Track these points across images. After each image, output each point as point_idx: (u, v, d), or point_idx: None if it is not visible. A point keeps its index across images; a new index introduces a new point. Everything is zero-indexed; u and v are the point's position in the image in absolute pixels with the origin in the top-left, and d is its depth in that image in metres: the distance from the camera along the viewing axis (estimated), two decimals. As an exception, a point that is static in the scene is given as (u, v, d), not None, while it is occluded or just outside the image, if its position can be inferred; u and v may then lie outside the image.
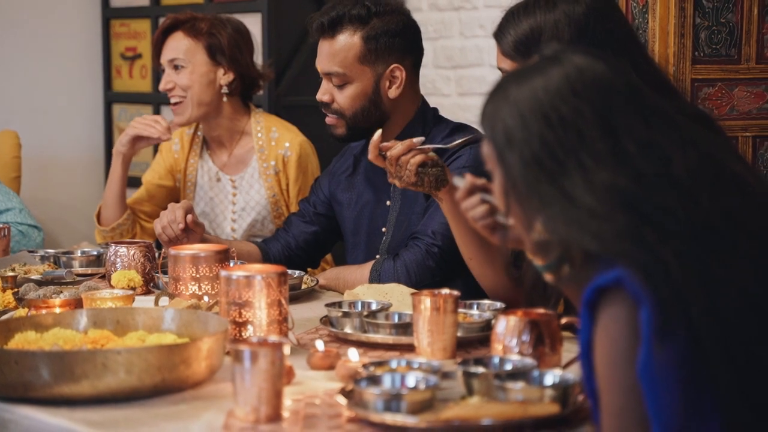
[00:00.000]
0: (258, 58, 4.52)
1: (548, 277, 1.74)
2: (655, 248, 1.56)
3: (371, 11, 3.01)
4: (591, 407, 1.66)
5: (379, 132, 2.66)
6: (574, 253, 1.66)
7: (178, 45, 3.55)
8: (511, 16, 2.48)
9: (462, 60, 4.71)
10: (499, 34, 2.50)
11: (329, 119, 3.08)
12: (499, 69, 2.52)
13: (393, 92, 3.02)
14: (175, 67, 3.55)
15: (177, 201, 3.68)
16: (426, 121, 3.09)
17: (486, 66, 4.66)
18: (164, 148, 3.77)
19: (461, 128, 3.07)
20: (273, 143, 3.62)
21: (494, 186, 1.80)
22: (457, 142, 2.81)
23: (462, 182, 2.15)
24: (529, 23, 2.43)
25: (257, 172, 3.62)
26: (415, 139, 2.59)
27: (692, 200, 1.62)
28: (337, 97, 3.04)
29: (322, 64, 3.05)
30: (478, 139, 2.76)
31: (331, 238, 3.30)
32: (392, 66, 3.02)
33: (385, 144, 2.61)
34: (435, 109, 3.15)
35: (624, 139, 1.65)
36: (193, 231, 3.04)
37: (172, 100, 3.57)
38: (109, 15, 5.11)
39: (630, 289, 1.55)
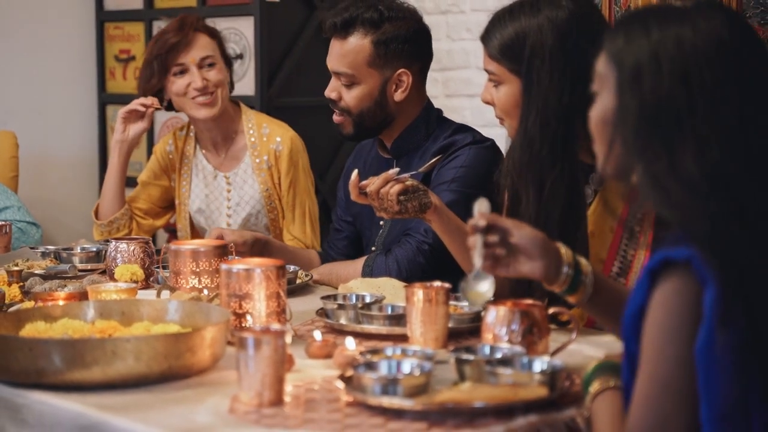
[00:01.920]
0: (250, 61, 4.63)
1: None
2: (735, 237, 1.59)
3: (384, 16, 3.06)
4: (623, 366, 1.71)
5: (356, 172, 2.70)
6: (648, 209, 1.70)
7: (207, 43, 3.66)
8: (497, 21, 2.54)
9: (449, 62, 4.79)
10: (485, 38, 2.56)
11: (336, 117, 3.15)
12: (486, 71, 2.59)
13: (398, 96, 3.09)
14: (205, 66, 3.64)
15: (172, 199, 3.79)
16: (429, 122, 3.15)
17: (473, 68, 4.74)
18: (158, 149, 3.85)
19: (463, 129, 3.14)
20: (264, 139, 3.71)
21: (594, 107, 1.77)
22: (429, 163, 2.83)
23: (481, 208, 2.05)
24: (514, 27, 2.49)
25: (250, 167, 3.71)
26: (390, 171, 2.64)
27: None
28: (345, 95, 3.10)
29: (332, 62, 3.11)
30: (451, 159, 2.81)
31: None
32: (400, 71, 3.08)
33: (363, 183, 2.67)
34: (439, 110, 3.21)
35: (749, 125, 1.64)
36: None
37: (204, 97, 3.63)
38: (103, 18, 5.19)
39: (698, 269, 1.58)
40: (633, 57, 1.68)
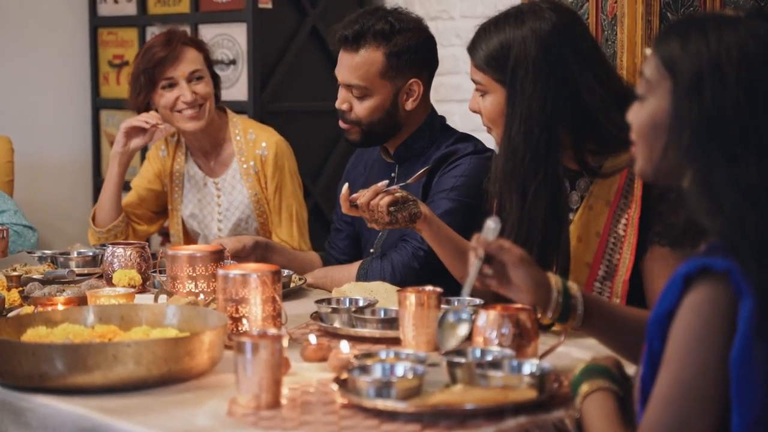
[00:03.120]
0: (242, 66, 4.69)
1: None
2: None
3: (395, 28, 3.09)
4: (643, 366, 1.74)
5: (346, 186, 2.75)
6: (689, 215, 1.69)
7: (195, 57, 3.70)
8: (482, 32, 2.59)
9: (439, 68, 4.81)
10: (472, 49, 2.61)
11: (344, 125, 3.17)
12: (473, 81, 2.64)
13: (409, 105, 3.13)
14: (195, 79, 3.68)
15: (166, 204, 3.85)
16: (433, 129, 3.19)
17: (462, 74, 4.77)
18: (151, 155, 3.90)
19: (465, 138, 3.18)
20: (251, 144, 3.75)
21: (639, 111, 1.76)
22: (417, 174, 2.83)
23: (492, 227, 2.07)
24: (499, 39, 2.53)
25: (238, 173, 3.76)
26: (379, 184, 2.69)
27: None
28: (356, 107, 3.13)
29: (342, 74, 3.13)
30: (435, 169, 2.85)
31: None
32: (411, 81, 3.12)
33: (353, 196, 2.72)
34: (442, 118, 3.25)
35: None
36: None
37: (192, 110, 3.67)
38: (97, 23, 5.22)
39: (736, 281, 1.61)
40: (692, 64, 1.68)
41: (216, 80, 3.78)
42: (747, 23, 1.69)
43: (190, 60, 3.69)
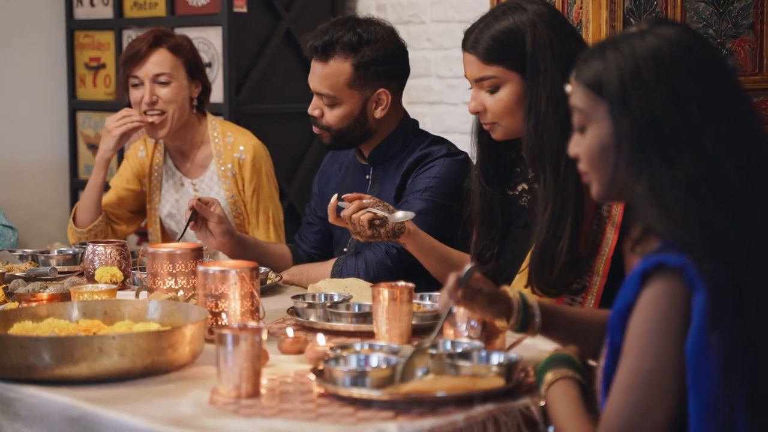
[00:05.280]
0: (218, 69, 4.75)
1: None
2: (726, 244, 1.69)
3: (363, 39, 3.16)
4: (605, 358, 1.82)
5: (335, 197, 2.82)
6: (644, 223, 1.76)
7: (164, 60, 3.73)
8: (484, 29, 2.64)
9: (411, 71, 4.92)
10: (475, 48, 2.64)
11: (316, 130, 3.25)
12: (479, 80, 2.67)
13: (378, 113, 3.20)
14: (159, 82, 3.73)
15: (144, 204, 3.91)
16: (406, 134, 3.26)
17: (433, 77, 4.85)
18: (130, 155, 3.95)
19: (439, 141, 3.25)
20: (229, 147, 3.81)
21: (584, 141, 1.83)
22: (399, 216, 2.79)
23: (468, 269, 2.11)
24: (508, 28, 2.62)
25: (216, 175, 3.83)
26: (365, 200, 2.78)
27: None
28: (326, 114, 3.20)
29: (314, 83, 3.20)
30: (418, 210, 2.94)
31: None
32: (379, 90, 3.19)
33: (340, 204, 2.80)
34: (415, 122, 3.32)
35: (737, 128, 1.73)
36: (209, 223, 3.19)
37: (153, 114, 3.73)
38: (74, 26, 5.26)
39: (689, 276, 1.68)
40: (615, 79, 1.76)
41: (203, 82, 3.82)
42: (654, 31, 1.78)
43: (157, 62, 3.73)
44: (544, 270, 2.55)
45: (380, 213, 2.76)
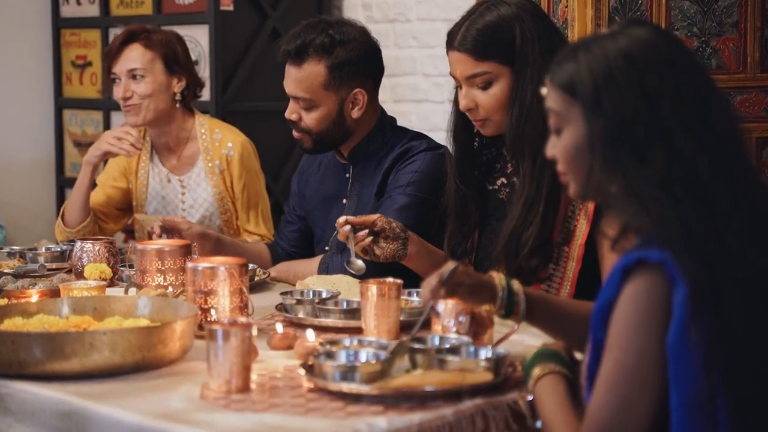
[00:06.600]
0: (205, 67, 4.77)
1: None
2: (704, 239, 1.71)
3: (335, 40, 3.17)
4: (588, 354, 1.84)
5: (343, 218, 2.81)
6: (622, 221, 1.78)
7: (137, 55, 3.75)
8: (470, 26, 2.67)
9: (396, 69, 4.92)
10: (463, 46, 2.67)
11: (296, 134, 3.25)
12: (469, 77, 2.69)
13: (355, 113, 3.21)
14: (134, 77, 3.75)
15: (131, 201, 3.92)
16: (384, 131, 3.27)
17: (419, 75, 4.88)
18: (117, 151, 3.98)
19: (419, 136, 3.27)
20: (217, 144, 3.83)
21: (559, 143, 1.85)
22: (357, 266, 2.82)
23: (450, 268, 2.14)
24: (496, 24, 2.66)
25: (203, 171, 3.84)
26: (345, 228, 2.77)
27: (748, 199, 1.78)
28: (305, 117, 3.21)
29: (289, 87, 3.21)
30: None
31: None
32: (355, 90, 3.19)
33: (339, 221, 2.81)
34: (393, 119, 3.34)
35: (710, 126, 1.76)
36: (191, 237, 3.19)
37: (129, 108, 3.75)
38: (60, 25, 5.28)
39: (670, 270, 1.71)
40: (588, 80, 1.78)
41: (187, 77, 3.82)
42: (625, 32, 1.81)
43: (131, 58, 3.76)
44: (510, 255, 2.60)
45: (350, 245, 2.78)
